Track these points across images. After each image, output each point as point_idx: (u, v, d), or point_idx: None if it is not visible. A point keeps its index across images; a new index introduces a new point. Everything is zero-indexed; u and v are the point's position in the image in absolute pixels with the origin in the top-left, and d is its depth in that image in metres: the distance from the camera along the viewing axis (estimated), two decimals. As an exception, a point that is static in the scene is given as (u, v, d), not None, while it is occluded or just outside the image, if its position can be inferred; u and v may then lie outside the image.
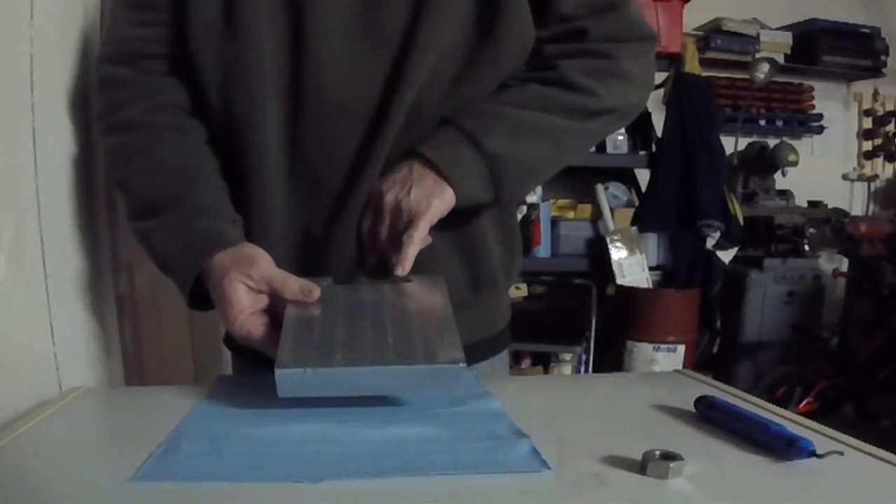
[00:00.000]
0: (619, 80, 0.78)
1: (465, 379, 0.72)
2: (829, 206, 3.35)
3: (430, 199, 0.70)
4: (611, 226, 2.77)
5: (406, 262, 0.69)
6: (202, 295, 0.71)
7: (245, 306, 0.67)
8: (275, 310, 0.68)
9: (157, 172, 0.73)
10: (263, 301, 0.68)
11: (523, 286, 2.81)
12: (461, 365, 0.58)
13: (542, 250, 2.75)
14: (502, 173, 0.73)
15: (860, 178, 3.74)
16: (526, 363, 2.75)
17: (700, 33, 3.19)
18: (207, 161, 0.76)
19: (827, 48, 3.35)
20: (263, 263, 0.68)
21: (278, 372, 0.58)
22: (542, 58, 0.77)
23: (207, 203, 0.73)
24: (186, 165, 0.74)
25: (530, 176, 0.79)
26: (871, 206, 3.76)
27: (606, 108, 0.77)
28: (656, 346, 2.56)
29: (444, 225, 0.73)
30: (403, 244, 0.69)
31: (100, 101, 0.78)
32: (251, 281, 0.67)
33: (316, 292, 0.67)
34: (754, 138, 3.32)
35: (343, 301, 0.68)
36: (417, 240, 0.69)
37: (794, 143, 3.24)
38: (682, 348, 2.56)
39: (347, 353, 0.60)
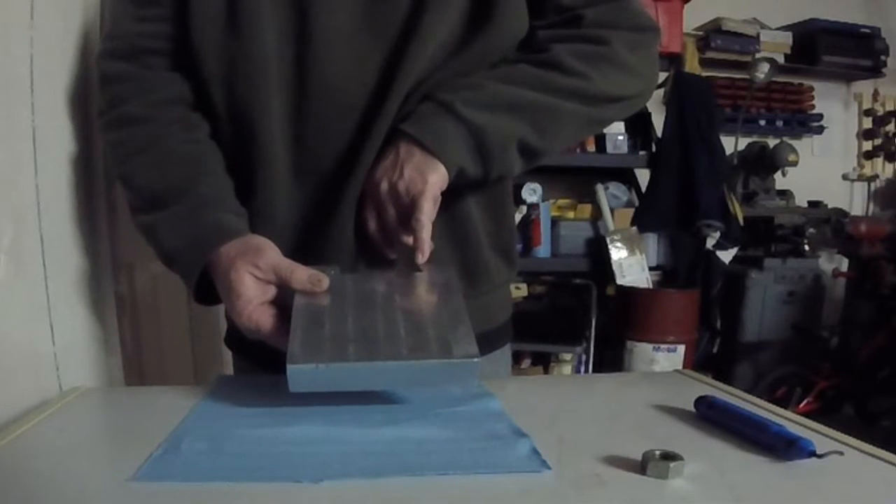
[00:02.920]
0: (613, 67, 0.76)
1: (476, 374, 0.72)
2: (829, 206, 3.35)
3: (424, 174, 0.69)
4: (611, 226, 2.77)
5: (424, 248, 0.67)
6: (207, 289, 0.70)
7: (252, 297, 0.66)
8: (283, 301, 0.67)
9: (161, 166, 0.73)
10: (271, 292, 0.67)
11: (523, 286, 2.81)
12: (476, 360, 0.58)
13: (542, 250, 2.75)
14: (487, 143, 0.71)
15: (860, 178, 3.74)
16: (526, 363, 2.75)
17: (700, 33, 3.19)
18: (212, 154, 0.75)
19: (827, 48, 3.35)
20: (271, 253, 0.67)
21: (290, 368, 0.57)
22: (534, 42, 0.77)
23: (213, 195, 0.72)
24: (191, 159, 0.74)
25: (516, 150, 0.75)
26: (871, 206, 3.76)
27: (601, 93, 0.76)
28: (656, 346, 2.56)
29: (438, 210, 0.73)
30: (415, 230, 0.68)
31: (101, 97, 0.78)
32: (258, 271, 0.66)
33: (325, 282, 0.66)
34: (754, 138, 3.32)
35: (352, 291, 0.67)
36: (427, 222, 0.68)
37: (794, 143, 3.25)
38: (682, 348, 2.56)
39: (360, 347, 0.59)
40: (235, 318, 0.67)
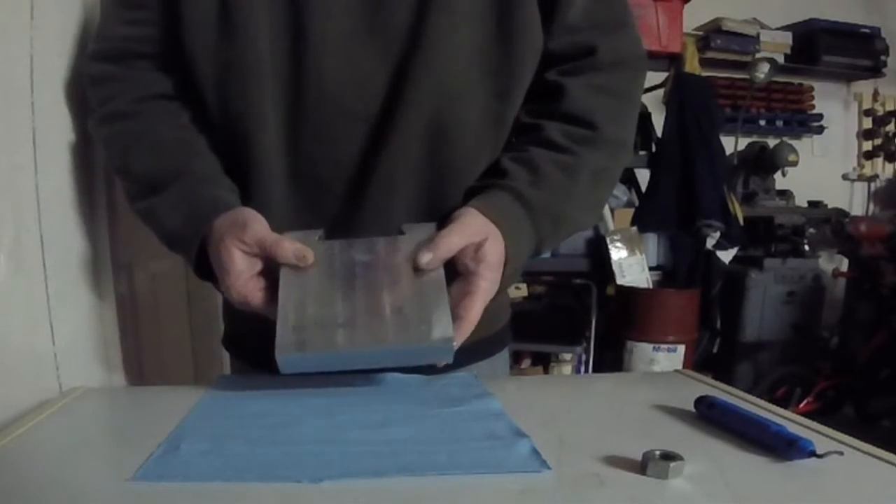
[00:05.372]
0: (628, 108, 0.80)
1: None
2: (829, 206, 3.35)
3: (496, 286, 0.68)
4: (611, 226, 2.77)
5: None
6: (208, 265, 0.70)
7: (241, 271, 0.66)
8: (271, 271, 0.68)
9: (154, 153, 0.74)
10: (259, 264, 0.67)
11: (523, 286, 2.81)
12: (452, 343, 0.61)
13: (542, 250, 2.75)
14: (539, 250, 0.75)
15: (860, 178, 3.75)
16: (526, 363, 2.76)
17: (700, 33, 3.19)
18: (199, 138, 0.76)
19: (827, 48, 3.36)
20: (256, 226, 0.67)
21: (279, 357, 0.60)
22: (560, 90, 0.76)
23: (205, 174, 0.73)
24: (181, 143, 0.74)
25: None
26: (871, 206, 3.77)
27: (627, 143, 0.80)
28: (656, 346, 2.56)
29: (435, 219, 0.72)
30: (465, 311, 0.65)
31: (91, 96, 0.78)
32: (245, 245, 0.66)
33: (310, 257, 0.66)
34: (754, 138, 3.32)
35: (338, 262, 0.68)
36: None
37: (794, 143, 3.25)
38: (682, 348, 2.56)
39: (346, 332, 0.62)
40: (225, 291, 0.67)
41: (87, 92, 0.79)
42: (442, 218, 0.71)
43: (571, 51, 0.77)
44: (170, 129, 0.75)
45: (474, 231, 0.67)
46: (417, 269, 0.66)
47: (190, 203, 0.71)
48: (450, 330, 0.61)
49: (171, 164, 0.73)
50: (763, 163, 3.18)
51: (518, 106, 0.77)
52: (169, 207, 0.71)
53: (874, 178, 3.75)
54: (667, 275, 2.91)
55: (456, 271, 0.67)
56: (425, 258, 0.64)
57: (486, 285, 0.66)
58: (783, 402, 2.67)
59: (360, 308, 0.64)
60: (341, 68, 0.71)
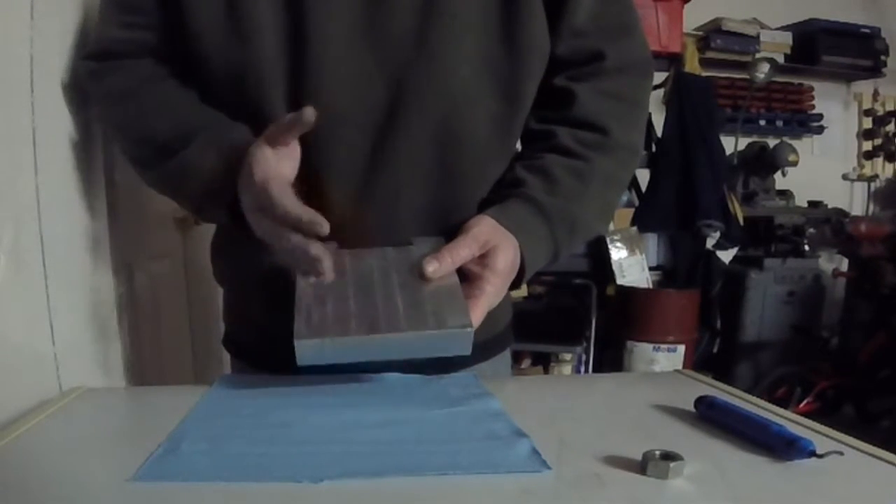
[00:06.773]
0: (637, 114, 0.81)
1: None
2: (829, 206, 3.36)
3: (502, 294, 0.70)
4: (611, 226, 2.77)
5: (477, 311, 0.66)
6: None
7: (269, 157, 0.65)
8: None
9: (173, 113, 0.72)
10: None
11: (523, 286, 2.81)
12: (469, 329, 0.60)
13: (542, 250, 2.75)
14: (552, 262, 0.77)
15: (860, 178, 3.75)
16: (526, 363, 2.76)
17: (700, 33, 3.19)
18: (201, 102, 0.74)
19: (827, 48, 3.36)
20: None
21: (297, 342, 0.59)
22: (569, 96, 0.76)
23: (225, 121, 0.72)
24: (191, 104, 0.73)
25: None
26: (871, 206, 3.77)
27: (637, 149, 0.81)
28: (656, 346, 2.56)
29: (442, 228, 0.72)
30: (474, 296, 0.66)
31: (94, 88, 0.78)
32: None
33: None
34: (754, 138, 3.33)
35: (351, 268, 0.68)
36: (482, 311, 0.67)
37: (794, 143, 3.25)
38: (682, 348, 2.56)
39: (362, 322, 0.61)
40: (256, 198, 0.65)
41: (87, 87, 0.79)
42: (449, 229, 0.71)
43: (579, 56, 0.76)
44: (177, 96, 0.74)
45: (482, 242, 0.67)
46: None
47: (220, 147, 0.69)
48: (467, 318, 0.60)
49: (193, 122, 0.71)
50: (763, 163, 3.18)
51: (526, 111, 0.77)
52: (201, 151, 0.69)
53: (874, 178, 3.75)
54: (667, 275, 2.91)
55: (463, 276, 0.67)
56: (431, 267, 0.64)
57: (491, 290, 0.66)
58: (783, 402, 2.67)
59: (377, 303, 0.63)
60: (342, 72, 0.70)
